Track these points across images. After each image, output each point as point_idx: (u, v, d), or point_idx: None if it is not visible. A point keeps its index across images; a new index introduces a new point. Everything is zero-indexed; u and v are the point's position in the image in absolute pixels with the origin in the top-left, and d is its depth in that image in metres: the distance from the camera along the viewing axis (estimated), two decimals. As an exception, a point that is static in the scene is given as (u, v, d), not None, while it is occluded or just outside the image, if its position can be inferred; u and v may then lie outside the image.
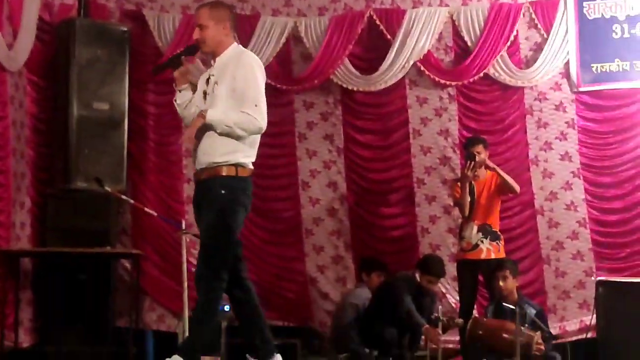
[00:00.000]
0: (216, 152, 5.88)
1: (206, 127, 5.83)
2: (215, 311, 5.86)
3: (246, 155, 5.98)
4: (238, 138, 5.86)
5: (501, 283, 8.69)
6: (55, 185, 9.54)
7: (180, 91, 6.07)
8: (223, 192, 5.86)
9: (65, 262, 9.40)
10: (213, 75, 5.99)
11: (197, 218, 6.12)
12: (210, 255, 5.86)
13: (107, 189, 8.85)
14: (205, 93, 5.98)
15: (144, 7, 10.40)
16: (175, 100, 6.12)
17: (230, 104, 5.87)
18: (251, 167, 6.06)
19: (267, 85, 10.03)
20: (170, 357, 5.80)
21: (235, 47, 6.10)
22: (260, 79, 6.01)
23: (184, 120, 6.19)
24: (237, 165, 5.91)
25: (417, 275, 9.01)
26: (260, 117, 5.93)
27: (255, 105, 5.90)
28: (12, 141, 9.34)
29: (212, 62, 6.11)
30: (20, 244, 9.41)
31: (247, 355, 6.24)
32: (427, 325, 8.69)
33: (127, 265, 9.98)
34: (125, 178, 9.64)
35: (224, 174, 5.88)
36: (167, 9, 10.43)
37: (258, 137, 6.11)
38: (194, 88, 6.13)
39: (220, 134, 5.82)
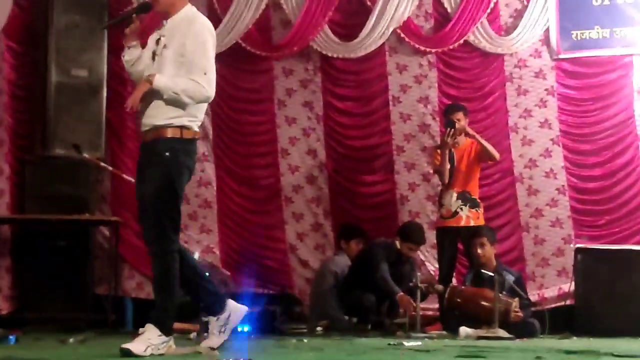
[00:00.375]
0: (161, 114, 5.76)
1: (152, 91, 5.72)
2: (176, 274, 5.78)
3: (191, 118, 5.84)
4: (184, 105, 5.77)
5: (479, 250, 8.72)
6: (34, 152, 9.49)
7: (129, 48, 5.91)
8: (167, 154, 5.73)
9: (44, 229, 9.37)
10: (164, 36, 5.84)
11: (139, 180, 5.91)
12: (159, 218, 5.73)
13: (86, 155, 8.84)
14: (154, 54, 5.84)
15: (123, -27, 10.33)
16: (124, 57, 5.95)
17: (177, 68, 5.77)
18: (197, 130, 5.91)
19: (247, 52, 10.23)
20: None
21: (188, 9, 5.94)
22: (211, 46, 5.86)
23: (131, 76, 6.09)
24: (182, 128, 5.77)
25: (397, 243, 9.04)
26: (208, 86, 5.76)
27: (205, 74, 5.74)
28: (-10, 107, 9.32)
29: (163, 22, 5.93)
30: (-1, 211, 9.40)
31: (201, 316, 6.20)
32: (400, 293, 8.73)
33: (106, 232, 9.95)
34: (104, 145, 9.58)
35: (168, 135, 5.76)
36: (147, -26, 10.35)
37: (205, 103, 6.01)
38: (143, 46, 6.05)
39: (166, 100, 5.72)
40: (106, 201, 10.14)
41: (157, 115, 5.77)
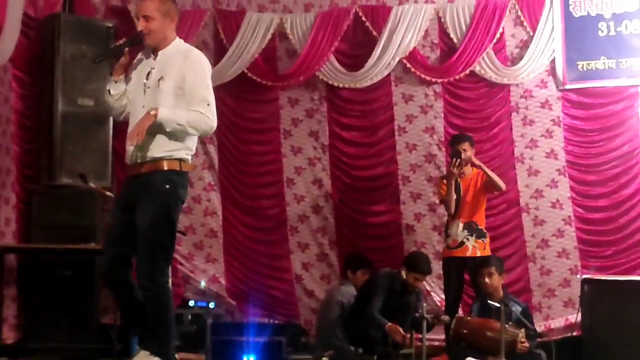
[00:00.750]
0: (159, 146, 5.74)
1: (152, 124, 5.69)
2: (171, 306, 5.76)
3: (188, 151, 5.85)
4: (184, 137, 5.76)
5: (487, 280, 8.68)
6: (40, 182, 9.50)
7: (115, 82, 5.86)
8: (167, 187, 5.72)
9: (50, 259, 9.34)
10: (154, 68, 5.83)
11: (122, 212, 5.83)
12: (153, 251, 5.70)
13: (92, 185, 8.84)
14: (145, 86, 5.82)
15: (129, 3, 10.36)
16: (109, 91, 5.89)
17: (176, 100, 5.76)
18: (191, 162, 5.94)
19: (253, 82, 10.25)
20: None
21: (179, 43, 5.95)
22: (209, 77, 5.90)
23: (111, 111, 6.04)
24: (180, 160, 5.78)
25: (403, 273, 9.00)
26: (212, 116, 5.78)
27: (208, 105, 5.77)
28: (-3, 136, 9.34)
29: (152, 55, 5.90)
30: (4, 240, 9.37)
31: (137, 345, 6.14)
32: (389, 324, 8.69)
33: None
34: (110, 174, 9.59)
35: (166, 168, 5.74)
36: (153, 4, 10.39)
37: (196, 136, 5.96)
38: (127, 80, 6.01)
39: (170, 132, 5.70)
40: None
41: (155, 148, 5.74)
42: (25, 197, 9.62)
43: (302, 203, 10.44)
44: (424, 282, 9.49)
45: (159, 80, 5.78)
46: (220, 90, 10.32)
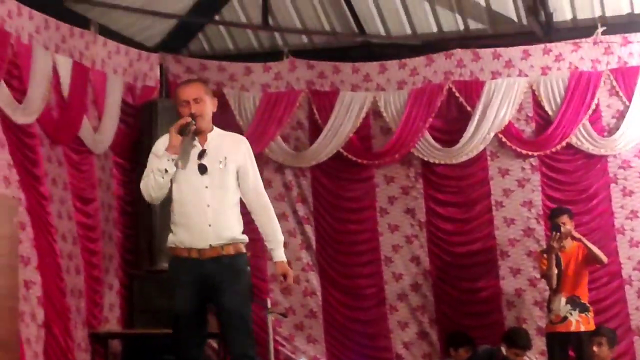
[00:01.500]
0: (235, 227, 5.91)
1: (228, 202, 5.88)
2: None
3: None
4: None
5: (595, 348, 8.52)
6: (141, 267, 9.65)
7: (172, 160, 5.81)
8: (248, 268, 5.98)
9: (153, 343, 9.43)
10: (206, 150, 5.89)
11: (197, 295, 5.90)
12: (250, 328, 5.90)
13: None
14: (202, 167, 5.86)
15: (224, 87, 10.57)
16: (166, 170, 5.81)
17: (235, 181, 5.93)
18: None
19: (348, 160, 10.30)
20: None
21: (217, 128, 6.08)
22: None
23: (161, 191, 5.89)
24: (245, 242, 6.00)
25: (504, 349, 8.92)
26: None
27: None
28: (101, 223, 9.50)
29: (195, 137, 5.91)
30: (109, 326, 9.53)
31: None
32: None
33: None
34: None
35: (244, 251, 5.96)
36: (247, 87, 10.58)
37: None
38: None
39: (238, 213, 5.96)
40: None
41: (232, 228, 5.90)
42: (128, 282, 9.78)
43: (401, 281, 10.40)
44: (526, 358, 9.34)
45: (221, 162, 5.87)
46: (316, 170, 10.50)
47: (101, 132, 9.51)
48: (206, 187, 5.85)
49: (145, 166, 6.00)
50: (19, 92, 8.36)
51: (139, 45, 10.34)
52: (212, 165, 5.87)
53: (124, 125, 9.93)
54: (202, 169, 5.86)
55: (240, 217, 5.96)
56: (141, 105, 10.01)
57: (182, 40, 10.86)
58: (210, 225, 5.82)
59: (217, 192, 5.86)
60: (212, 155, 5.89)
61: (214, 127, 6.05)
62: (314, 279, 10.48)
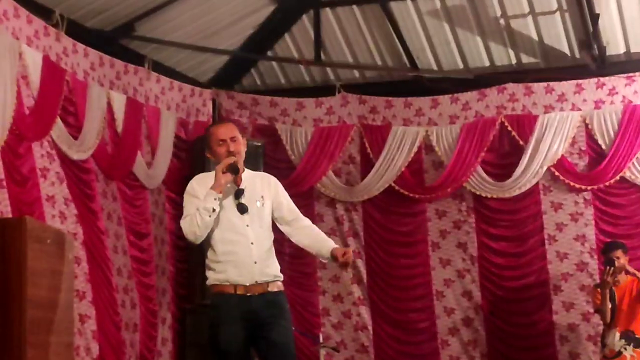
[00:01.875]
0: (276, 266, 6.00)
1: (269, 239, 5.97)
2: None
3: None
4: None
5: None
6: (193, 301, 9.71)
7: (219, 199, 5.83)
8: (288, 306, 6.02)
9: (204, 377, 9.49)
10: (243, 189, 5.93)
11: (244, 330, 5.86)
12: None
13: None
14: (243, 206, 5.89)
15: (276, 122, 10.65)
16: (214, 209, 5.80)
17: (271, 220, 6.05)
18: None
19: (400, 195, 10.32)
20: None
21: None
22: None
23: (207, 229, 5.86)
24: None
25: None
26: None
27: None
28: (155, 257, 9.60)
29: (235, 176, 5.91)
30: (161, 360, 9.61)
31: None
32: None
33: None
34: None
35: (283, 288, 6.01)
36: (300, 122, 10.64)
37: None
38: None
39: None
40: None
41: (274, 266, 6.00)
42: (180, 316, 9.85)
43: (453, 315, 10.37)
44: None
45: (258, 201, 5.96)
46: (368, 204, 10.53)
47: (154, 167, 9.63)
48: (247, 225, 5.91)
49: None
50: (75, 129, 8.51)
51: (192, 81, 10.48)
52: (250, 205, 5.93)
53: (176, 160, 10.05)
54: (243, 209, 5.91)
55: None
56: (194, 140, 10.10)
57: (235, 75, 11.00)
58: (255, 263, 5.87)
59: (257, 230, 5.93)
60: (249, 194, 5.95)
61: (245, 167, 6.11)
62: (365, 314, 10.47)
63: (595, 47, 9.74)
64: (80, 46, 8.63)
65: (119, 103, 9.14)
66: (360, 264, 10.54)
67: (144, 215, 9.52)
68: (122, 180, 9.24)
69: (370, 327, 10.47)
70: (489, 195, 10.33)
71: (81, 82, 8.60)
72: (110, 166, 8.98)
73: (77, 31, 8.66)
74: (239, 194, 5.94)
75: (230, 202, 5.93)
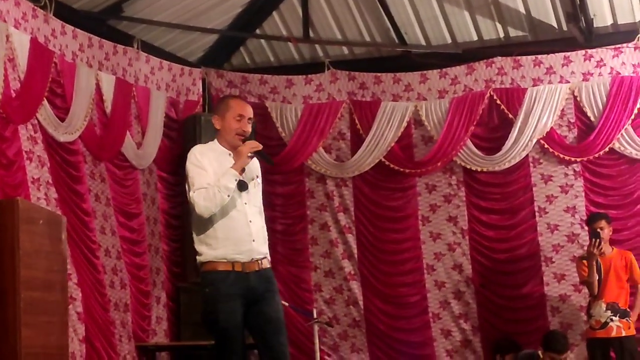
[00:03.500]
0: (267, 244, 6.10)
1: (263, 218, 6.07)
2: None
3: None
4: None
5: None
6: (188, 279, 9.75)
7: (240, 180, 5.88)
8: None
9: (199, 355, 9.53)
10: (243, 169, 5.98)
11: (242, 307, 5.92)
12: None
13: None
14: (243, 184, 5.92)
15: (266, 99, 10.67)
16: (230, 187, 5.83)
17: None
18: None
19: (390, 170, 10.35)
20: None
21: None
22: None
23: (221, 207, 5.85)
24: None
25: (540, 353, 8.95)
26: None
27: None
28: (147, 237, 9.63)
29: (230, 154, 5.96)
30: (156, 338, 9.64)
31: None
32: None
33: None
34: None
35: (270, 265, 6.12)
36: (289, 99, 10.68)
37: None
38: None
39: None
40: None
41: (267, 244, 6.09)
42: (175, 294, 9.89)
43: (443, 289, 10.41)
44: (567, 360, 9.33)
45: (253, 180, 6.03)
46: (358, 180, 10.57)
47: (144, 147, 9.65)
48: (245, 203, 5.95)
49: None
50: (63, 110, 8.53)
51: (182, 61, 10.50)
52: (250, 182, 6.00)
53: (167, 140, 10.06)
54: (243, 186, 5.94)
55: None
56: (184, 120, 10.12)
57: (224, 54, 11.02)
58: (254, 241, 5.93)
59: (253, 209, 6.00)
60: (247, 173, 5.99)
61: None
62: (356, 288, 10.52)
63: (583, 19, 9.76)
64: (69, 28, 8.64)
65: (108, 84, 9.15)
66: (351, 239, 10.58)
67: (135, 195, 9.54)
68: (111, 161, 9.25)
69: (361, 302, 10.51)
70: (479, 169, 10.37)
71: (69, 63, 8.61)
72: (98, 147, 9.00)
73: (66, 13, 8.66)
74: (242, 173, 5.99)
75: None
